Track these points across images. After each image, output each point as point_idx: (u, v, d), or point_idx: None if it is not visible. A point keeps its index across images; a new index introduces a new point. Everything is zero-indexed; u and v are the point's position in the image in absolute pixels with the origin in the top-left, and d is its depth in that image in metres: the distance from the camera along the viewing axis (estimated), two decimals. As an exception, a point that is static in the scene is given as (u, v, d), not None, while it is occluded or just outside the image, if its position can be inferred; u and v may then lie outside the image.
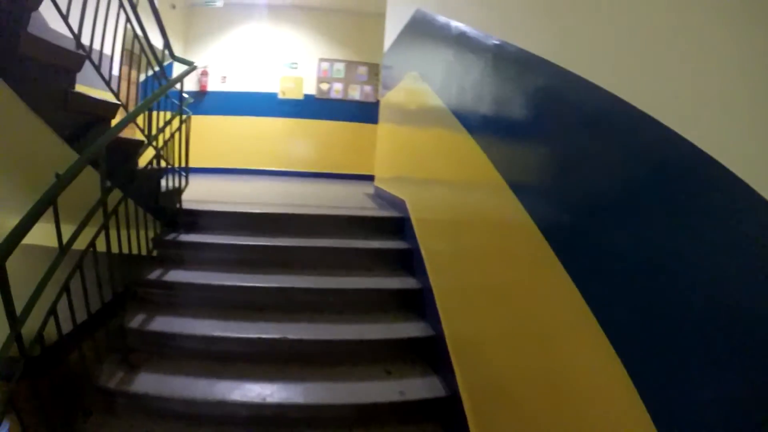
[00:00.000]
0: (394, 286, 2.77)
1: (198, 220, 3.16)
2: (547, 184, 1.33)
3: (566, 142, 1.23)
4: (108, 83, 2.40)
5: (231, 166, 7.48)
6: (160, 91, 2.60)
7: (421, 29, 3.09)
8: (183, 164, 3.33)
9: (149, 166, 2.65)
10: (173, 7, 6.70)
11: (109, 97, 2.52)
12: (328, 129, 7.56)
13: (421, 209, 2.95)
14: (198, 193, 3.97)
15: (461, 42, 2.17)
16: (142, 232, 2.58)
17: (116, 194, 2.18)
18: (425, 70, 2.94)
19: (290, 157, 7.55)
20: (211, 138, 7.45)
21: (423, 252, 2.72)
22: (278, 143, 7.51)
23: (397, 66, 3.94)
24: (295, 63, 7.48)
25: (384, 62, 4.76)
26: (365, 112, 7.55)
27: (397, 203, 3.56)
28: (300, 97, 7.48)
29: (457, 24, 2.24)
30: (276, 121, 7.48)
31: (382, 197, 4.42)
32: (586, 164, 1.12)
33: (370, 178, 7.54)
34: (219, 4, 6.73)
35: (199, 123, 7.45)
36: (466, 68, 2.07)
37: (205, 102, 7.43)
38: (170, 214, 3.03)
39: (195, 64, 3.13)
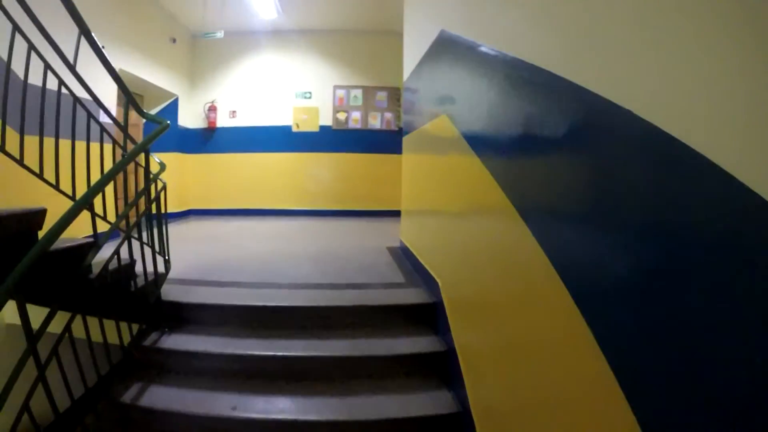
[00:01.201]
0: (428, 412, 2.03)
1: (185, 314, 2.53)
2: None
3: None
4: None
5: (243, 207, 6.96)
6: (115, 168, 1.97)
7: (449, 56, 2.38)
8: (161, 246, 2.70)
9: (112, 265, 2.02)
10: (173, 41, 6.29)
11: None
12: (348, 162, 6.94)
13: (457, 300, 2.22)
14: (190, 265, 3.37)
15: (514, 79, 1.44)
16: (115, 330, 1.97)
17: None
18: (459, 114, 2.22)
19: (307, 195, 6.96)
20: (221, 178, 6.99)
21: (461, 359, 2.01)
22: (293, 180, 6.94)
23: (422, 101, 3.24)
24: (308, 92, 6.93)
25: (405, 93, 4.08)
26: (387, 142, 6.91)
27: (428, 278, 2.83)
28: (315, 129, 6.90)
29: (506, 53, 1.52)
30: (290, 157, 6.92)
31: (408, 258, 3.70)
32: None
33: (394, 213, 6.87)
34: (219, 35, 6.28)
35: (208, 162, 7.06)
36: (521, 121, 1.34)
37: (215, 139, 6.97)
38: (148, 312, 2.40)
39: (168, 123, 2.51)
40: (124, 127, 2.34)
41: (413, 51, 3.64)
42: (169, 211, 6.62)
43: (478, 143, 1.90)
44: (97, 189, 1.86)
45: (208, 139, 6.97)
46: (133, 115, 6.61)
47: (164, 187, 2.61)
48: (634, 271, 0.85)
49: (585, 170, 1.06)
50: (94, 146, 2.30)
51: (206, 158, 7.00)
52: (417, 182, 3.56)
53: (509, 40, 1.55)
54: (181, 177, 6.81)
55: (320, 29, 6.84)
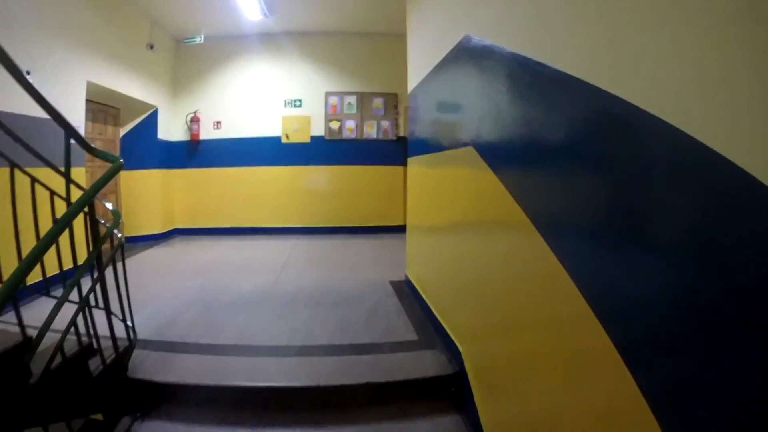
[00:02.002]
0: None
1: (161, 391, 2.08)
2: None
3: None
4: None
5: (232, 225, 6.47)
6: (53, 232, 1.51)
7: (477, 67, 1.93)
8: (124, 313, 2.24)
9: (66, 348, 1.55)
10: (150, 47, 5.76)
11: None
12: (343, 175, 6.48)
13: (484, 368, 1.80)
14: (168, 317, 2.91)
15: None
16: None
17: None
18: (491, 147, 1.78)
19: (300, 212, 6.49)
20: (206, 194, 6.50)
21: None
22: (285, 196, 6.47)
23: (437, 120, 2.79)
24: (299, 100, 6.45)
25: (411, 104, 3.61)
26: (385, 152, 6.46)
27: (444, 335, 2.41)
28: (307, 140, 6.43)
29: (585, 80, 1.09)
30: (281, 171, 6.44)
31: (417, 300, 3.25)
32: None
33: (394, 230, 6.44)
34: (199, 40, 5.78)
35: (193, 177, 6.55)
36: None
37: (199, 153, 6.47)
38: (113, 399, 1.94)
39: (121, 161, 2.04)
40: (66, 173, 1.86)
41: (421, 57, 3.20)
42: (152, 231, 6.25)
43: (526, 195, 1.45)
44: (27, 268, 1.40)
45: (192, 153, 6.47)
46: (108, 129, 6.08)
47: (121, 245, 2.12)
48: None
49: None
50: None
51: (190, 173, 6.50)
52: (427, 213, 3.12)
53: (579, 60, 1.10)
54: (165, 194, 6.32)
55: (310, 31, 6.35)
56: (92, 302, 1.91)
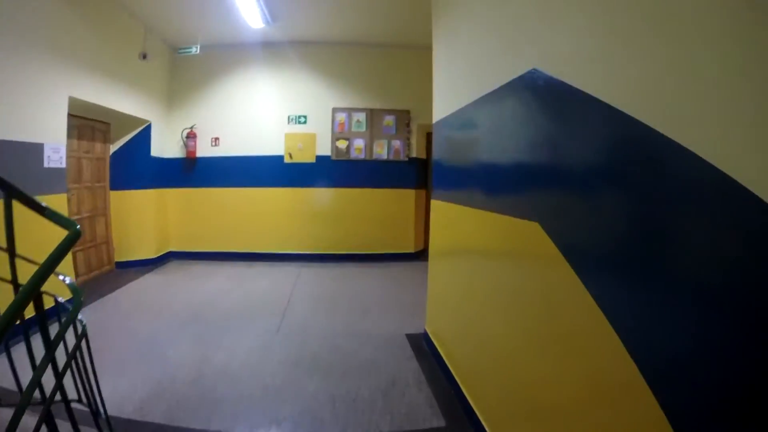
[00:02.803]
0: None
1: None
2: None
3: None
4: None
5: (230, 250, 6.04)
6: None
7: (555, 118, 1.50)
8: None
9: None
10: (143, 57, 5.34)
11: None
12: (351, 199, 6.05)
13: None
14: (147, 394, 2.46)
15: None
16: None
17: None
18: (572, 232, 1.35)
19: (302, 237, 6.05)
20: (203, 216, 6.07)
21: None
22: (287, 220, 6.04)
23: (477, 170, 2.34)
24: (303, 116, 6.02)
25: (438, 142, 3.18)
26: (396, 175, 6.04)
27: (475, 423, 1.98)
28: (311, 159, 6.00)
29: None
30: (283, 193, 6.02)
31: (441, 367, 2.81)
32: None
33: (404, 258, 6.01)
34: (194, 50, 5.36)
35: (188, 197, 6.08)
36: None
37: (195, 171, 6.04)
38: None
39: (77, 228, 1.58)
40: (9, 247, 1.42)
41: (454, 84, 2.77)
42: (145, 256, 5.77)
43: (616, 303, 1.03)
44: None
45: (188, 171, 6.04)
46: (96, 146, 5.64)
47: (84, 333, 1.67)
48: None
49: None
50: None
51: (186, 193, 6.08)
52: (456, 269, 2.69)
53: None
54: (158, 216, 5.91)
55: (316, 41, 5.94)
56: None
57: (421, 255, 6.26)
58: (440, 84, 3.15)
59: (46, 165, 3.82)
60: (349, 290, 4.67)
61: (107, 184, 5.63)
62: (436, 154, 3.25)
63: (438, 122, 3.13)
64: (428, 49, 5.99)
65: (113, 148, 5.60)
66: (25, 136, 3.51)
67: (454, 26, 2.78)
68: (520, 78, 1.74)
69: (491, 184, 2.12)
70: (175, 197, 6.08)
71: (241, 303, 4.22)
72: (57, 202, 4.01)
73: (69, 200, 5.02)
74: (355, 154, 6.01)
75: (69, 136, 4.83)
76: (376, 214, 6.05)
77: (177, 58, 5.88)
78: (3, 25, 3.31)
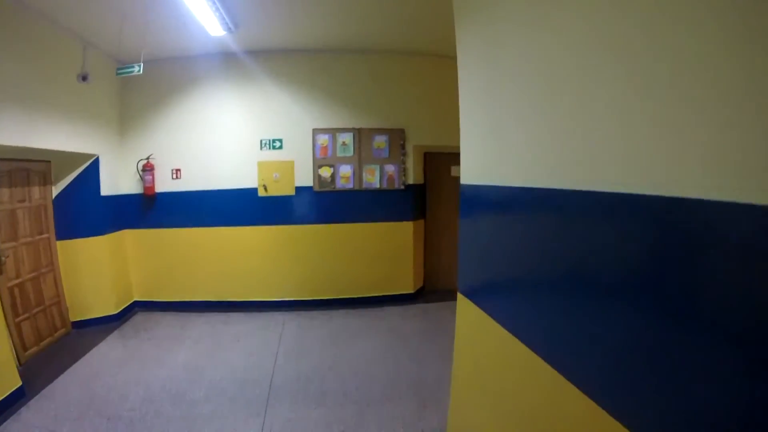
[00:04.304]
0: None
1: None
2: None
3: None
4: None
5: (203, 299, 5.30)
6: None
7: None
8: None
9: None
10: (83, 79, 4.47)
11: None
12: (338, 236, 5.28)
13: None
14: None
15: None
16: None
17: None
18: None
19: (285, 282, 5.30)
20: (168, 260, 5.34)
21: None
22: (266, 263, 5.28)
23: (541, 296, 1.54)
24: (278, 139, 5.20)
25: (468, 212, 2.33)
26: (390, 205, 5.26)
27: None
28: (290, 191, 5.19)
29: None
30: (259, 232, 5.23)
31: None
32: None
33: (401, 300, 5.25)
34: (137, 70, 4.46)
35: (149, 240, 5.25)
36: None
37: (155, 209, 5.24)
38: None
39: None
40: None
41: (501, 128, 1.93)
42: (104, 312, 4.92)
43: None
44: None
45: (148, 209, 5.25)
46: (34, 192, 4.80)
47: None
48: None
49: None
50: None
51: (146, 235, 5.30)
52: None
53: None
54: (115, 263, 5.19)
55: (290, 50, 5.09)
56: None
57: (420, 295, 5.52)
58: (469, 129, 2.29)
59: None
60: (342, 362, 3.92)
61: (52, 234, 4.84)
62: (469, 229, 2.36)
63: (473, 186, 2.23)
64: (427, 55, 5.17)
65: (56, 190, 4.79)
66: None
67: (503, 43, 1.89)
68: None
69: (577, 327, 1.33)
70: (134, 240, 5.30)
71: (212, 391, 3.49)
72: None
73: (3, 264, 4.26)
74: (341, 184, 5.19)
75: None
76: (369, 252, 5.27)
77: (127, 77, 4.97)
78: None
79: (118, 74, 4.61)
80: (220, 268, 5.25)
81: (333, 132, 5.21)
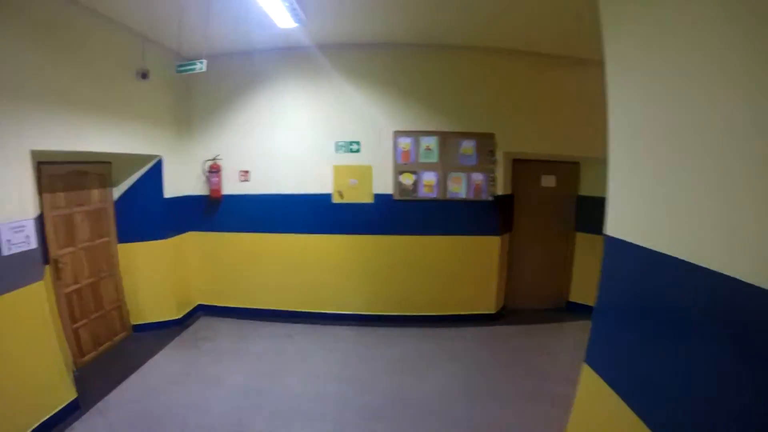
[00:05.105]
0: None
1: None
2: None
3: None
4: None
5: (268, 307, 4.97)
6: None
7: None
8: None
9: None
10: (143, 76, 4.16)
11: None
12: (416, 249, 4.82)
13: None
14: None
15: None
16: None
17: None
18: None
19: (355, 295, 4.88)
20: (230, 266, 4.99)
21: None
22: (335, 273, 4.88)
23: None
24: (356, 142, 4.76)
25: (613, 275, 1.87)
26: (476, 218, 4.79)
27: None
28: (368, 199, 4.75)
29: None
30: (331, 241, 4.82)
31: None
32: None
33: (480, 319, 4.75)
34: (199, 67, 4.09)
35: (215, 244, 4.88)
36: None
37: (221, 212, 4.90)
38: None
39: None
40: None
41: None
42: (166, 317, 4.59)
43: None
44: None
45: (212, 212, 4.92)
46: (93, 195, 4.45)
47: None
48: None
49: None
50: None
51: (210, 239, 5.02)
52: None
53: None
54: (178, 268, 4.92)
55: (369, 44, 4.63)
56: None
57: (501, 315, 5.01)
58: (636, 155, 1.80)
59: (5, 253, 2.75)
60: (413, 395, 3.44)
61: (113, 237, 4.54)
62: (613, 295, 1.90)
63: (629, 246, 1.76)
64: (519, 53, 4.67)
65: (117, 192, 4.46)
66: None
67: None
68: None
69: None
70: (197, 243, 5.04)
71: (274, 424, 3.10)
72: (22, 297, 2.89)
73: (60, 270, 3.92)
74: (424, 192, 4.72)
75: (50, 190, 3.82)
76: (449, 267, 4.80)
77: (185, 79, 4.61)
78: None
79: (178, 71, 4.24)
80: (285, 276, 4.87)
81: (416, 136, 4.74)
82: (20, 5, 2.90)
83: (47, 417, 2.97)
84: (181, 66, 4.21)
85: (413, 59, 4.69)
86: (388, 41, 4.58)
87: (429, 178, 4.73)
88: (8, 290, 2.75)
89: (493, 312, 4.92)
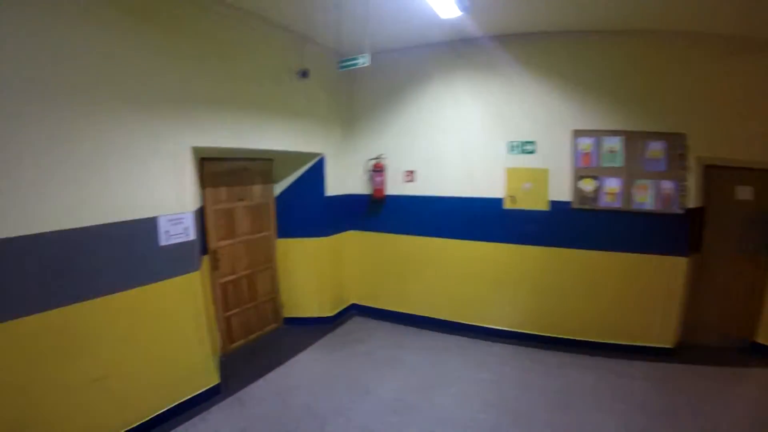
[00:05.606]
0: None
1: None
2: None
3: None
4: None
5: (421, 314, 4.84)
6: None
7: None
8: None
9: None
10: (303, 74, 4.15)
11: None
12: (586, 264, 4.40)
13: None
14: None
15: None
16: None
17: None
18: None
19: (513, 311, 4.62)
20: (388, 268, 4.93)
21: None
22: (496, 285, 4.59)
23: None
24: (530, 142, 4.35)
25: None
26: (661, 233, 4.34)
27: None
28: (543, 206, 4.38)
29: None
30: (497, 250, 4.53)
31: None
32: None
33: (654, 354, 4.26)
34: (363, 61, 3.93)
35: (374, 244, 4.82)
36: None
37: (383, 213, 4.78)
38: None
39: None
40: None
41: None
42: (318, 313, 4.55)
43: None
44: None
45: (374, 213, 4.82)
46: (254, 191, 4.37)
47: None
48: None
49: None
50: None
51: (369, 239, 4.97)
52: None
53: None
54: (335, 265, 4.95)
55: (543, 32, 4.14)
56: None
57: (680, 353, 4.40)
58: None
59: (163, 243, 3.01)
60: None
61: (272, 232, 4.56)
62: None
63: None
64: (719, 38, 4.02)
65: (279, 188, 4.38)
66: (126, 213, 2.76)
67: None
68: None
69: None
70: (356, 243, 5.04)
71: None
72: (177, 285, 3.10)
73: (218, 261, 4.08)
74: (606, 201, 4.29)
75: (212, 184, 3.96)
76: (623, 288, 4.36)
77: (350, 71, 4.32)
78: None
79: (341, 68, 4.09)
80: (445, 283, 4.68)
81: (598, 136, 4.27)
82: (180, 13, 3.10)
83: (187, 398, 3.16)
84: (343, 62, 4.08)
85: (594, 48, 4.17)
86: (563, 29, 4.10)
87: (612, 185, 4.27)
88: (164, 278, 2.96)
89: (670, 347, 4.45)
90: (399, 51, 4.43)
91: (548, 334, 4.50)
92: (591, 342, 4.43)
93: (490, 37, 4.25)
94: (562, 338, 4.47)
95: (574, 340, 4.46)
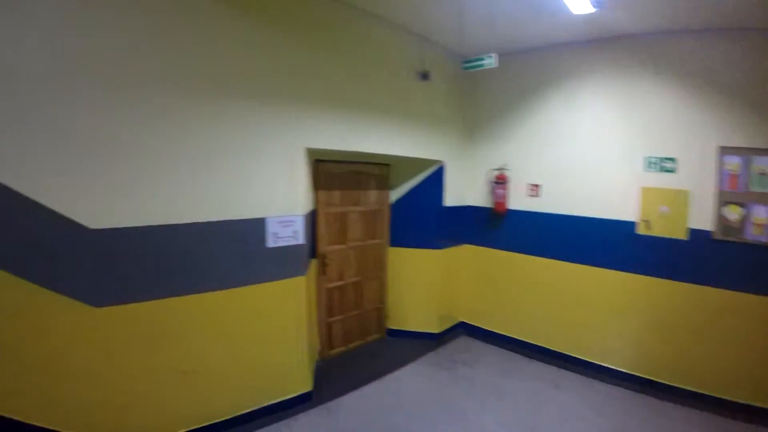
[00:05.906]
0: None
1: None
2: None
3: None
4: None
5: (534, 341, 4.60)
6: None
7: None
8: None
9: None
10: (424, 77, 4.04)
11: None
12: (729, 307, 3.82)
13: None
14: None
15: None
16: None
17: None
18: None
19: (631, 349, 4.15)
20: (497, 287, 4.66)
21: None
22: (619, 319, 4.06)
23: None
24: (670, 158, 3.79)
25: None
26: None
27: None
28: (680, 234, 3.88)
29: None
30: (625, 280, 4.07)
31: None
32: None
33: None
34: (489, 62, 3.73)
35: (489, 260, 4.52)
36: None
37: (503, 229, 4.40)
38: None
39: None
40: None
41: None
42: (424, 328, 4.41)
43: None
44: None
45: (493, 227, 4.57)
46: (370, 196, 3.79)
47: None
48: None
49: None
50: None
51: (486, 255, 4.85)
52: None
53: None
54: (448, 279, 4.73)
55: (684, 30, 3.68)
56: None
57: None
58: None
59: (270, 245, 2.99)
60: None
61: (385, 240, 4.57)
62: None
63: None
64: None
65: (394, 195, 3.94)
66: (234, 212, 2.77)
67: None
68: None
69: None
70: (471, 258, 4.79)
71: None
72: (281, 289, 3.08)
73: (326, 266, 4.02)
74: (753, 235, 3.78)
75: (326, 187, 3.97)
76: (759, 337, 3.84)
77: (472, 74, 3.76)
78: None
79: (465, 68, 3.96)
80: (561, 311, 4.38)
81: (747, 153, 3.74)
82: (300, 12, 3.09)
83: (275, 401, 3.15)
84: (467, 62, 3.86)
85: (741, 48, 3.58)
86: (713, 26, 3.58)
87: (761, 214, 3.76)
88: (267, 280, 2.95)
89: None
90: (524, 52, 4.06)
91: (678, 385, 3.93)
92: (731, 402, 3.77)
93: (627, 36, 3.77)
94: (693, 391, 3.90)
95: (709, 395, 3.86)
